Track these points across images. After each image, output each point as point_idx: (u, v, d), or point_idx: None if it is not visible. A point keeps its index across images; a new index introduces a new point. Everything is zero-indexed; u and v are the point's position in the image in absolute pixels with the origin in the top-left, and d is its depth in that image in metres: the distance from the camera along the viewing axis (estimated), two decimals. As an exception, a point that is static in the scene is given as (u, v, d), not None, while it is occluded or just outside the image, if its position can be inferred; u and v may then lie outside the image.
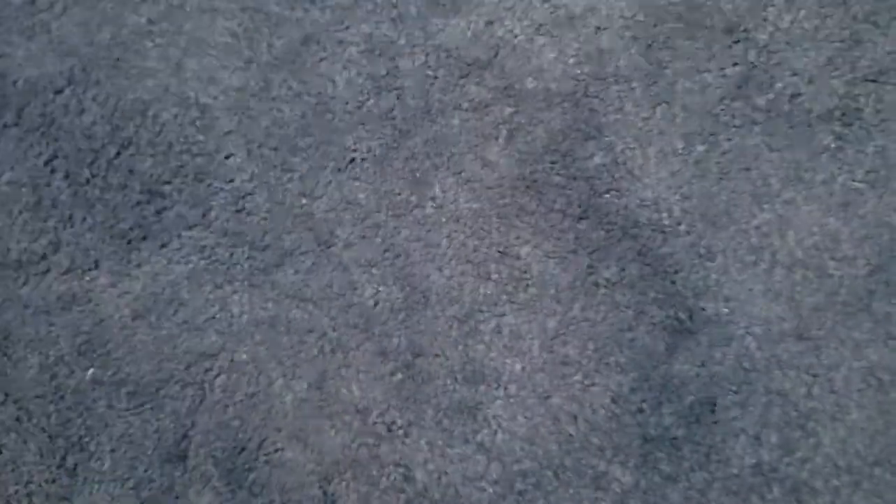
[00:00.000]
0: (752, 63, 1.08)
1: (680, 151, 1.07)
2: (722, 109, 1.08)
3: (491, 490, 1.00)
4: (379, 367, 1.05)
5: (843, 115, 1.05)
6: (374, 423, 1.03)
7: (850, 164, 1.04)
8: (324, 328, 1.06)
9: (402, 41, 1.14)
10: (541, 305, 1.05)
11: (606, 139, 1.08)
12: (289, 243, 1.09)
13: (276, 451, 1.03)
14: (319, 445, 1.03)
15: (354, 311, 1.07)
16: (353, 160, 1.11)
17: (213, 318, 1.08)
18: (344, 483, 1.02)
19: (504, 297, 1.06)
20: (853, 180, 1.04)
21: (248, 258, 1.09)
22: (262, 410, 1.04)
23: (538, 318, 1.04)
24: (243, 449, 1.03)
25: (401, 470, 1.02)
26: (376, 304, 1.07)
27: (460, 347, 1.04)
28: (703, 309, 1.03)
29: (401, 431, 1.03)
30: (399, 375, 1.04)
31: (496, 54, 1.13)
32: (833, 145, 1.05)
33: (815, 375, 1.00)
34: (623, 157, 1.08)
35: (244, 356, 1.06)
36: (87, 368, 1.07)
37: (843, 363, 1.00)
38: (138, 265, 1.10)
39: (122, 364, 1.07)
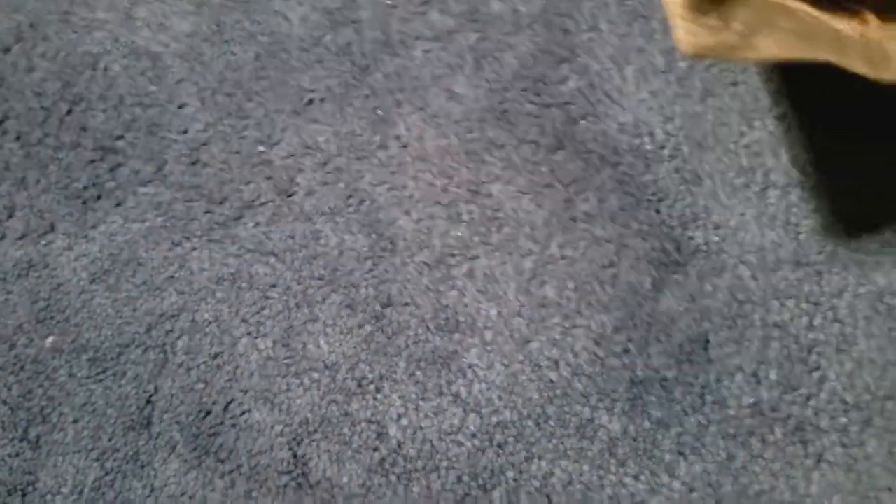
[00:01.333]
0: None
1: (661, 69, 0.99)
2: (705, 20, 0.99)
3: (469, 444, 0.95)
4: (347, 319, 0.99)
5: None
6: (344, 379, 0.98)
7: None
8: (287, 282, 1.01)
9: (358, -30, 1.07)
10: (516, 245, 0.98)
11: (580, 61, 1.01)
12: (247, 194, 1.04)
13: (243, 413, 0.98)
14: (287, 405, 0.98)
15: (319, 262, 1.01)
16: (311, 101, 1.05)
17: (173, 277, 1.03)
18: (314, 443, 0.97)
19: (476, 238, 0.99)
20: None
21: (206, 212, 1.04)
22: (226, 372, 1.00)
23: (513, 259, 0.98)
24: (208, 413, 0.99)
25: (373, 427, 0.96)
26: (341, 253, 1.01)
27: (432, 295, 0.98)
28: (692, 238, 0.95)
29: (372, 386, 0.97)
30: (368, 327, 0.98)
31: (458, -23, 1.05)
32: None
33: (816, 304, 0.92)
34: (599, 79, 1.00)
35: (206, 315, 1.01)
36: (47, 336, 1.03)
37: (847, 289, 0.92)
38: (94, 226, 1.05)
39: (82, 330, 1.03)
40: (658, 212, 0.96)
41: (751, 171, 0.95)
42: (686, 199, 0.96)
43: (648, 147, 0.98)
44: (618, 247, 0.96)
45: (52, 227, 1.06)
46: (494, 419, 0.95)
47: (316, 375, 0.98)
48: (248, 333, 1.00)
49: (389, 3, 1.05)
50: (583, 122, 0.99)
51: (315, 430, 0.97)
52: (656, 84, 0.98)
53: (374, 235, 1.01)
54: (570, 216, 0.98)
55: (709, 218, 0.95)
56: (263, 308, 1.01)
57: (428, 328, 0.98)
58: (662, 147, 0.97)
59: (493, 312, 0.97)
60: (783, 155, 0.95)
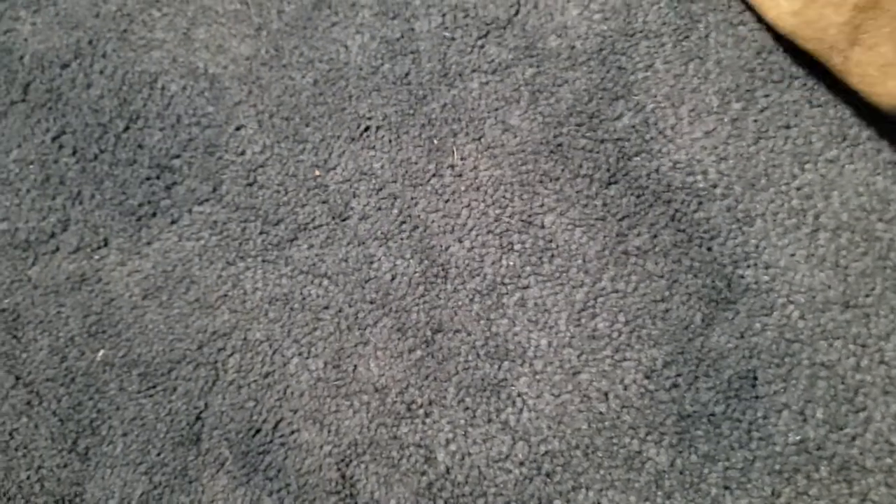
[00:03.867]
0: (791, 13, 1.03)
1: (714, 110, 1.02)
2: (759, 64, 1.03)
3: (517, 471, 0.97)
4: (398, 343, 1.02)
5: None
6: (394, 402, 1.00)
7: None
8: (340, 304, 1.04)
9: (417, 2, 1.11)
10: (567, 276, 1.01)
11: (636, 98, 1.04)
12: (302, 217, 1.07)
13: (292, 432, 1.01)
14: (337, 426, 1.01)
15: (371, 285, 1.04)
16: (367, 128, 1.08)
17: (226, 295, 1.06)
18: (363, 465, 0.99)
19: (528, 268, 1.02)
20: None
21: (260, 233, 1.07)
22: (277, 391, 1.02)
23: (565, 290, 1.01)
24: (258, 431, 1.01)
25: (422, 451, 0.99)
26: (394, 278, 1.04)
27: (482, 322, 1.01)
28: (742, 277, 0.98)
29: (421, 411, 1.00)
30: (419, 352, 1.01)
31: (517, 12, 1.09)
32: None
33: (863, 346, 0.95)
34: (654, 117, 1.03)
35: (258, 335, 1.04)
36: (98, 350, 1.06)
37: (895, 332, 0.95)
38: (148, 242, 1.09)
39: (133, 345, 1.06)
40: (710, 249, 0.99)
41: (802, 213, 0.99)
42: (737, 237, 0.99)
43: (701, 185, 1.01)
44: (669, 282, 0.99)
45: (106, 242, 1.09)
46: (543, 448, 0.97)
47: (366, 398, 1.01)
48: (300, 354, 1.03)
49: (447, 34, 1.09)
50: (636, 158, 1.03)
51: (364, 452, 1.00)
52: (710, 124, 1.02)
53: (426, 261, 1.04)
54: (623, 250, 1.01)
55: (759, 257, 0.99)
56: (315, 329, 1.04)
57: (478, 355, 1.01)
58: (715, 186, 1.01)
59: (544, 342, 1.00)
60: (834, 198, 0.99)
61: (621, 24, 1.07)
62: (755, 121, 1.02)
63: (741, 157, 1.01)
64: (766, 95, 1.02)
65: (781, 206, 0.99)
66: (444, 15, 1.10)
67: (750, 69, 1.03)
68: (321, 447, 1.00)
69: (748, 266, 0.99)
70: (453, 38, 1.09)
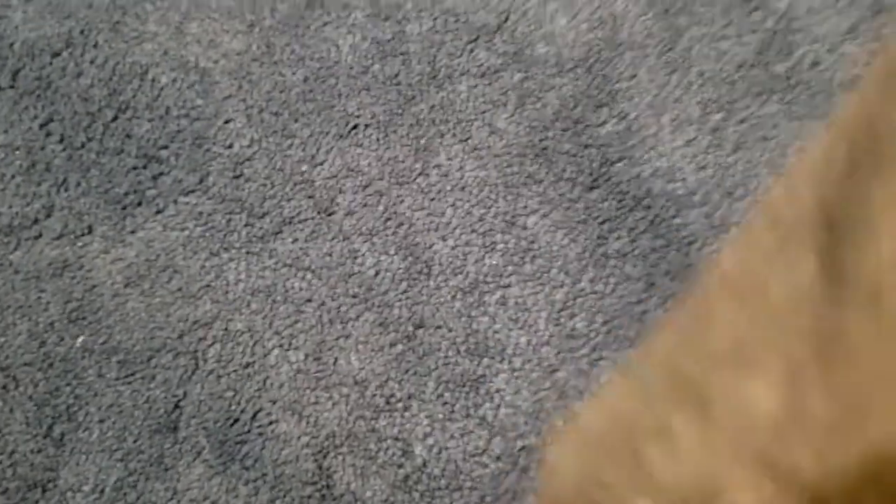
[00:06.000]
0: (771, 30, 1.08)
1: (695, 120, 1.07)
2: (740, 77, 1.07)
3: (493, 466, 1.00)
4: (379, 338, 1.04)
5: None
6: (373, 395, 1.03)
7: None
8: (322, 298, 1.06)
9: (409, 5, 1.15)
10: (548, 277, 1.04)
11: (620, 106, 1.08)
12: (288, 211, 1.09)
13: (270, 423, 1.03)
14: (315, 418, 1.02)
15: (354, 280, 1.07)
16: (355, 126, 1.11)
17: (209, 286, 1.08)
18: (340, 457, 1.01)
19: (510, 267, 1.05)
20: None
21: (245, 225, 1.09)
22: (256, 381, 1.04)
23: (545, 290, 1.04)
24: (236, 420, 1.03)
25: (399, 444, 1.01)
26: (377, 273, 1.06)
27: (463, 319, 1.04)
28: (718, 282, 1.02)
29: (400, 404, 1.02)
30: (399, 347, 1.04)
31: (506, 19, 1.13)
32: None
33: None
34: (636, 124, 1.07)
35: (239, 325, 1.06)
36: (77, 336, 1.07)
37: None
38: (132, 231, 1.10)
39: (114, 332, 1.07)
40: (687, 255, 1.03)
41: (777, 222, 1.03)
42: (714, 244, 1.03)
43: (681, 192, 1.05)
44: (647, 285, 1.03)
45: (90, 230, 1.11)
46: (519, 443, 1.00)
47: (345, 390, 1.03)
48: (280, 345, 1.05)
49: (438, 37, 1.13)
50: (618, 164, 1.07)
51: (341, 444, 1.02)
52: (691, 133, 1.06)
53: (409, 258, 1.07)
54: (602, 253, 1.04)
55: (735, 263, 1.02)
56: (297, 321, 1.06)
57: (458, 351, 1.03)
58: (694, 193, 1.05)
59: (523, 340, 1.03)
60: (808, 208, 1.03)
61: (608, 34, 1.11)
62: (734, 132, 1.06)
63: (720, 166, 1.05)
64: (746, 107, 1.06)
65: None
66: (435, 19, 1.13)
67: (731, 82, 1.07)
68: (299, 438, 1.02)
69: (724, 272, 1.02)
70: (443, 42, 1.13)
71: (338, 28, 1.15)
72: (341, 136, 1.11)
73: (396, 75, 1.12)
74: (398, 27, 1.14)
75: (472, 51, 1.12)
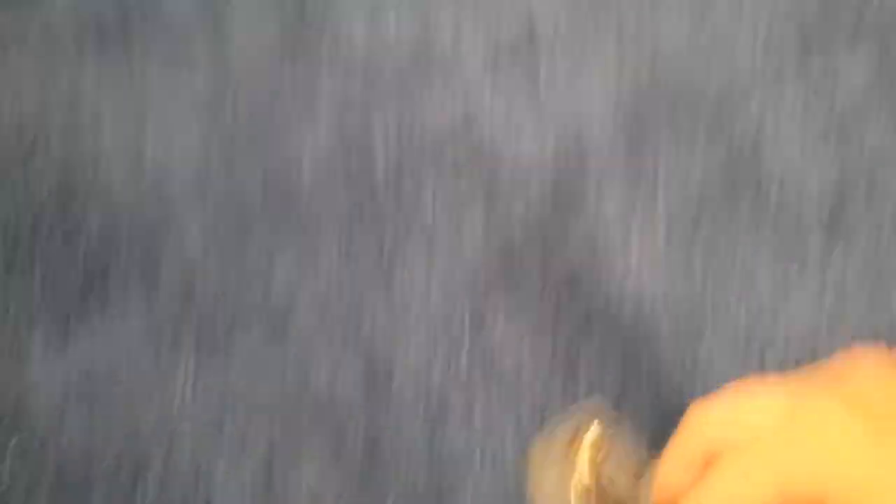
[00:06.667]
0: (737, 156, 1.08)
1: (662, 246, 1.05)
2: (707, 192, 1.07)
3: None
4: (337, 449, 0.98)
5: (832, 209, 1.05)
6: (329, 513, 0.96)
7: (840, 264, 1.03)
8: (277, 408, 1.00)
9: (375, 107, 1.13)
10: (516, 386, 1.00)
11: (588, 212, 1.07)
12: (240, 317, 1.04)
13: (216, 545, 0.95)
14: (265, 539, 0.95)
15: (310, 391, 1.01)
16: (316, 226, 1.08)
17: (155, 398, 1.01)
18: (291, 582, 0.93)
19: (476, 375, 1.01)
20: (844, 277, 1.03)
21: (196, 330, 1.04)
22: (201, 498, 0.97)
23: (512, 400, 0.99)
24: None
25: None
26: (334, 381, 1.01)
27: (427, 430, 0.99)
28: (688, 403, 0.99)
29: (358, 524, 0.95)
30: (359, 457, 0.98)
31: (475, 118, 1.11)
32: (822, 241, 1.04)
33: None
34: (603, 251, 1.05)
35: (185, 439, 0.99)
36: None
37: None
38: (75, 341, 1.04)
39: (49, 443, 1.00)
40: (658, 363, 1.00)
41: (747, 353, 1.01)
42: (685, 354, 1.00)
43: (648, 300, 1.03)
44: (619, 394, 0.99)
45: (31, 337, 1.05)
46: (485, 566, 0.93)
47: (299, 509, 0.96)
48: (229, 459, 0.98)
49: (403, 140, 1.11)
50: (586, 275, 1.04)
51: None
52: (658, 260, 1.04)
53: (368, 366, 1.02)
54: (572, 360, 1.01)
55: (708, 386, 1.00)
56: (246, 434, 0.99)
57: (420, 464, 0.97)
58: (662, 301, 1.02)
59: (489, 453, 0.98)
60: (780, 327, 1.01)
61: (574, 143, 1.10)
62: (703, 244, 1.05)
63: (687, 294, 1.03)
64: (714, 235, 1.05)
65: (727, 343, 1.01)
66: (402, 114, 1.11)
67: (699, 197, 1.07)
68: (246, 561, 0.94)
69: (697, 391, 1.00)
70: (410, 143, 1.11)
71: (301, 122, 1.13)
72: (300, 235, 1.08)
73: (361, 171, 1.10)
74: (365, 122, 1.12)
75: (439, 149, 1.10)
